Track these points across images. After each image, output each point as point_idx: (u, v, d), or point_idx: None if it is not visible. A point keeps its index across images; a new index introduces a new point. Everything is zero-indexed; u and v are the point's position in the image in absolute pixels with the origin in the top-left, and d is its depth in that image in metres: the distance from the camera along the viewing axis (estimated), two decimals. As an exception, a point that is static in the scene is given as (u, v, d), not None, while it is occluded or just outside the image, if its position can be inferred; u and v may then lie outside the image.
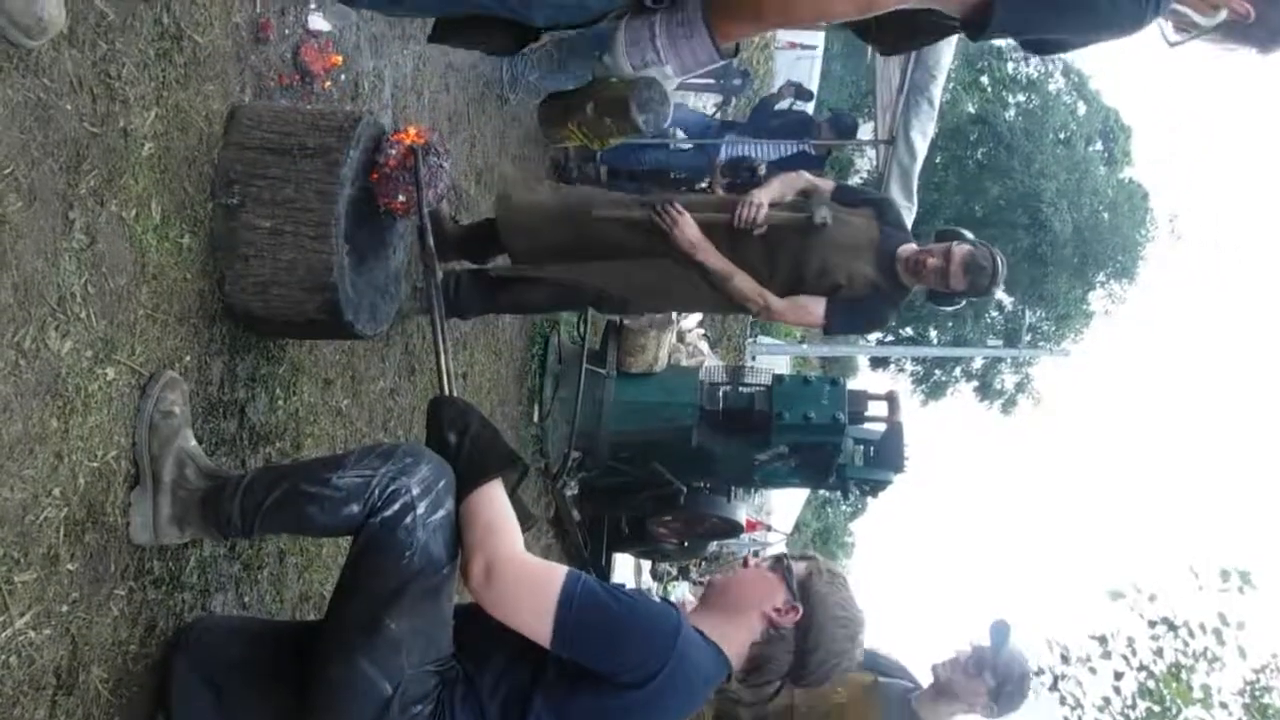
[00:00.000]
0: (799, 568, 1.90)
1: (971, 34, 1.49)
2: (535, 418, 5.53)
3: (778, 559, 1.94)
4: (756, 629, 1.82)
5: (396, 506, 1.65)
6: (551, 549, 6.10)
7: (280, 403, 2.49)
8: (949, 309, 3.54)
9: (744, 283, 3.13)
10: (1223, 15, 1.50)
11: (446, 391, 1.91)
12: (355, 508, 1.66)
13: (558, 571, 1.67)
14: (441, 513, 1.68)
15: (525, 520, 1.80)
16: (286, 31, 2.52)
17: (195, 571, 2.08)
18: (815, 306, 3.20)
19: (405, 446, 1.73)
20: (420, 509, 1.65)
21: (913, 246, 3.21)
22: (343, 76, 2.86)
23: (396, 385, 3.36)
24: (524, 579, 1.66)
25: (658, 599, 1.75)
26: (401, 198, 2.28)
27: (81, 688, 1.71)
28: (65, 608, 1.67)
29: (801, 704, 2.90)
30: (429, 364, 3.76)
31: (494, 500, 1.74)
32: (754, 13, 1.50)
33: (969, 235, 3.22)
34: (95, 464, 1.74)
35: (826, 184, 3.36)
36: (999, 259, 3.14)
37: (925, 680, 3.07)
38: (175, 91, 1.96)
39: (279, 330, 2.34)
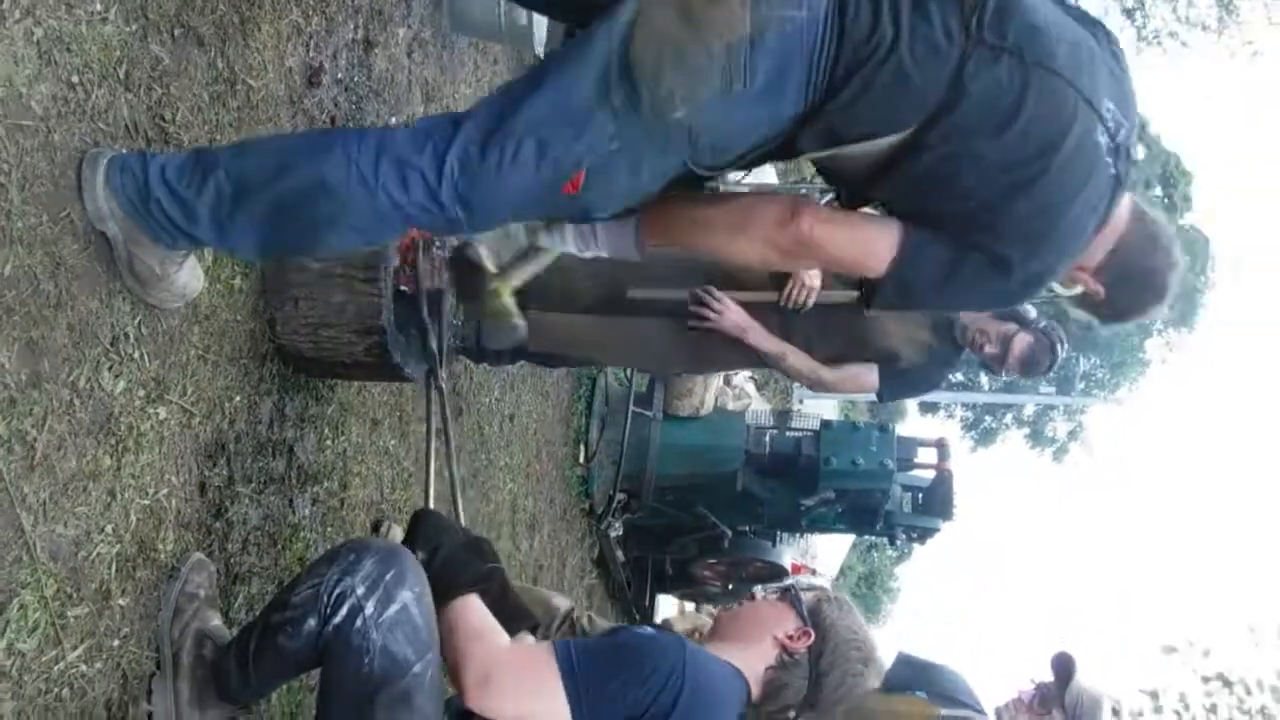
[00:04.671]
0: (807, 596, 1.93)
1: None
2: (581, 459, 5.54)
3: (785, 589, 1.97)
4: (770, 655, 1.85)
5: (344, 611, 1.56)
6: (595, 589, 6.08)
7: (329, 442, 2.52)
8: (1000, 378, 3.41)
9: (797, 361, 3.06)
10: (1079, 289, 1.79)
11: (430, 504, 1.93)
12: (313, 621, 1.58)
13: (542, 648, 1.65)
14: (395, 607, 1.57)
15: (523, 619, 1.81)
16: (339, 75, 2.58)
17: (244, 608, 2.10)
18: (868, 375, 3.12)
19: (349, 543, 1.67)
20: (369, 608, 1.56)
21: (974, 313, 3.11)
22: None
23: (443, 427, 3.38)
24: (520, 669, 1.62)
25: (648, 629, 1.76)
26: (403, 288, 2.32)
27: (130, 721, 1.73)
28: (116, 642, 1.69)
29: None
30: (477, 404, 3.79)
31: (470, 610, 1.70)
32: (682, 241, 1.77)
33: (1031, 315, 3.08)
34: (147, 501, 1.77)
35: None
36: (1059, 348, 3.04)
37: (989, 707, 2.96)
38: (228, 135, 2.01)
39: (328, 371, 2.38)
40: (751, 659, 1.83)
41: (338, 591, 1.57)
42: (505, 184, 1.55)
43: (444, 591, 1.70)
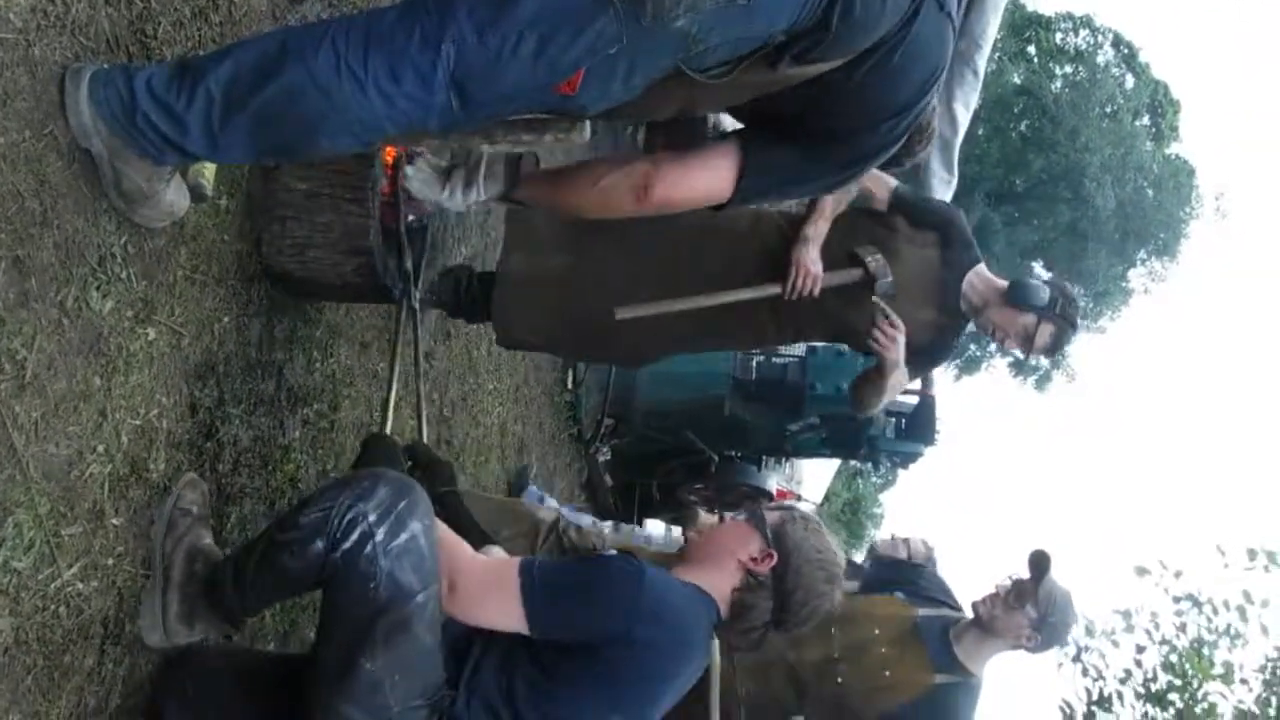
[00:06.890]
0: (772, 516, 1.96)
1: (715, 208, 1.94)
2: (569, 384, 5.56)
3: (752, 510, 2.01)
4: (735, 577, 1.89)
5: (355, 536, 1.57)
6: (583, 513, 6.15)
7: (318, 364, 2.52)
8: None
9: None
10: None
11: (423, 429, 2.02)
12: (320, 544, 1.58)
13: (511, 563, 1.73)
14: (405, 536, 1.59)
15: (472, 539, 1.88)
16: (325, -8, 2.52)
17: (236, 528, 2.12)
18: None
19: (364, 471, 1.69)
20: (379, 535, 1.57)
21: (981, 273, 2.87)
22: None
23: (432, 349, 3.38)
24: (483, 579, 1.72)
25: (613, 554, 1.80)
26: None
27: (128, 637, 1.75)
28: (111, 561, 1.70)
29: (842, 652, 2.84)
30: (465, 328, 3.78)
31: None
32: (553, 205, 2.09)
33: (1044, 299, 2.79)
34: (138, 422, 1.77)
35: (883, 186, 2.86)
36: (1077, 319, 2.86)
37: (966, 603, 2.98)
38: (211, 50, 1.96)
39: (316, 292, 2.36)
40: (718, 581, 1.88)
41: (349, 517, 1.58)
42: (502, 75, 1.52)
43: None
